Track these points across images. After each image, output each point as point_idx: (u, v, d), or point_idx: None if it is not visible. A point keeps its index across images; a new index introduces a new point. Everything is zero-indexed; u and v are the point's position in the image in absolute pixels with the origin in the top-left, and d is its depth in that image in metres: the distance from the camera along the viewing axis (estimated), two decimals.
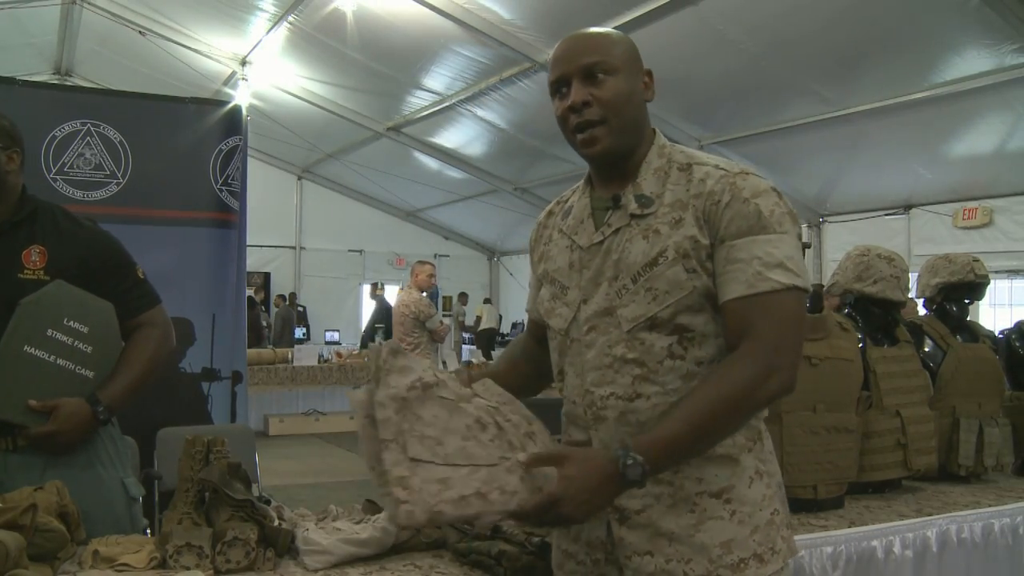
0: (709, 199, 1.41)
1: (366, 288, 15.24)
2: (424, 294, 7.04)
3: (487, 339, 13.82)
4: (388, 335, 10.83)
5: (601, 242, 1.49)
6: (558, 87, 1.49)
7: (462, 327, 14.58)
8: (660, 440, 1.31)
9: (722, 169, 1.44)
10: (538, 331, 1.69)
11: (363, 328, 15.27)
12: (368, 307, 15.00)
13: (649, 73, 1.52)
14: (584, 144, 1.47)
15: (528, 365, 1.74)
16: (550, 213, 1.68)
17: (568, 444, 1.56)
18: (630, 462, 1.27)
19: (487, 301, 15.47)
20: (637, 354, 1.43)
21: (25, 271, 1.99)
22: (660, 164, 1.49)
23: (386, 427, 1.26)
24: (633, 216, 1.47)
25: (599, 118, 1.45)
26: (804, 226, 9.89)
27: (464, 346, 14.19)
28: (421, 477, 1.25)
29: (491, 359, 10.45)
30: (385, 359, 1.31)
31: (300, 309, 14.35)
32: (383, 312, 12.08)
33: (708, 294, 1.41)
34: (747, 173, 1.44)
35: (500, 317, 15.29)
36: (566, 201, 1.64)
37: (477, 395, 1.40)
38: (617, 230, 1.48)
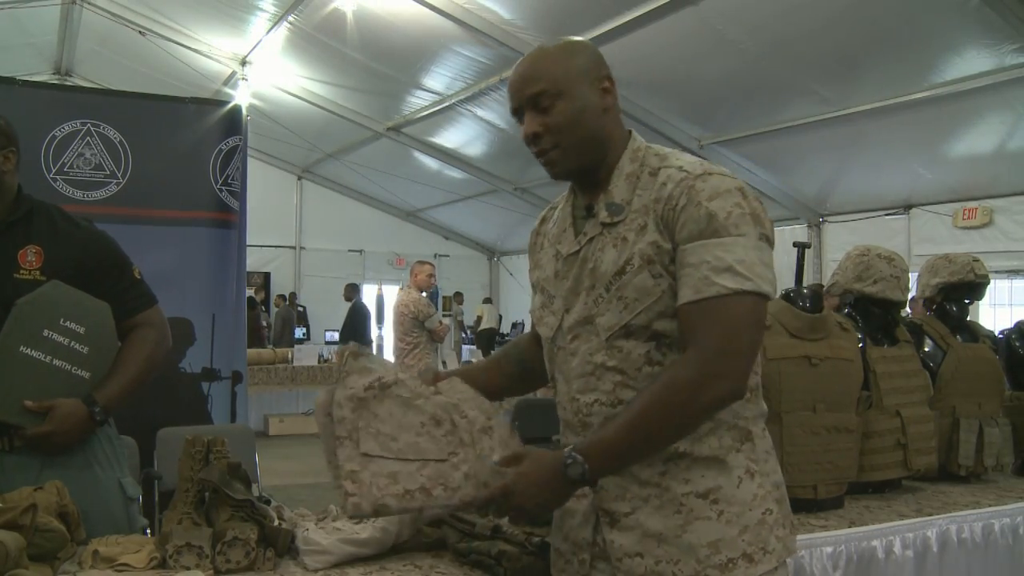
0: (667, 203, 1.41)
1: (366, 288, 15.24)
2: (424, 294, 7.04)
3: (487, 339, 13.82)
4: (355, 338, 10.86)
5: (578, 251, 1.50)
6: (515, 115, 1.51)
7: (460, 327, 14.57)
8: (599, 443, 1.37)
9: (684, 171, 1.42)
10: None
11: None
12: (369, 307, 15.01)
13: (609, 78, 1.49)
14: (546, 167, 1.51)
15: (512, 366, 1.76)
16: (543, 220, 1.69)
17: (564, 447, 1.58)
18: (570, 461, 1.34)
19: (487, 301, 15.46)
20: (616, 361, 1.45)
21: (21, 271, 1.98)
22: (632, 169, 1.48)
23: (342, 425, 1.35)
24: (604, 224, 1.47)
25: (552, 145, 1.47)
26: (804, 226, 9.91)
27: (464, 346, 14.18)
28: (371, 471, 1.33)
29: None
30: (347, 361, 1.40)
31: (300, 309, 14.35)
32: (357, 315, 12.15)
33: (671, 299, 1.41)
34: (709, 174, 1.41)
35: (500, 317, 15.28)
36: (555, 208, 1.65)
37: (439, 392, 1.45)
38: (592, 239, 1.49)
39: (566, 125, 1.45)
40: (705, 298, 1.33)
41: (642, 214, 1.44)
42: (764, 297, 1.36)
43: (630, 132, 1.54)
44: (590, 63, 1.48)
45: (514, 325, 15.28)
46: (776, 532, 1.46)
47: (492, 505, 1.39)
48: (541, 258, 1.63)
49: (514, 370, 1.75)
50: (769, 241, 1.40)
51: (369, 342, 11.67)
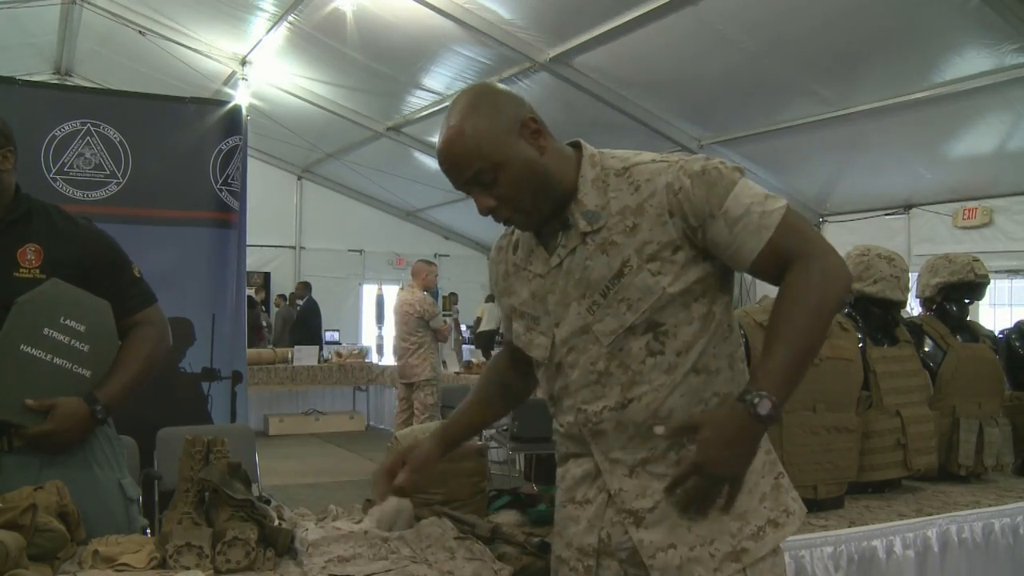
0: (668, 191, 1.43)
1: (366, 288, 15.23)
2: (426, 293, 7.03)
3: (487, 340, 13.80)
4: (308, 337, 10.94)
5: (560, 264, 1.50)
6: (462, 190, 1.50)
7: (457, 326, 14.54)
8: (774, 370, 1.36)
9: (662, 162, 1.47)
10: (516, 351, 1.69)
11: (363, 329, 15.29)
12: (369, 307, 15.00)
13: (532, 119, 1.46)
14: (518, 228, 1.55)
15: (498, 397, 1.82)
16: (499, 248, 1.69)
17: (566, 455, 1.59)
18: (757, 400, 1.33)
19: (490, 299, 15.39)
20: (620, 361, 1.45)
21: (21, 270, 1.98)
22: (596, 174, 1.49)
23: None
24: (585, 233, 1.47)
25: (512, 212, 1.48)
26: None
27: (464, 346, 14.15)
28: None
29: (490, 359, 10.42)
30: (308, 549, 1.71)
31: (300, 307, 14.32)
32: (308, 314, 12.23)
33: (674, 290, 1.42)
34: (685, 157, 1.48)
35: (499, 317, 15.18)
36: (512, 235, 1.64)
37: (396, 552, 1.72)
38: (573, 250, 1.48)
39: (516, 191, 1.45)
40: (777, 226, 1.40)
41: (628, 215, 1.44)
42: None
43: (578, 142, 1.54)
44: (510, 118, 1.45)
45: None
46: (791, 494, 1.52)
47: (689, 489, 1.38)
48: (511, 284, 1.62)
49: (500, 400, 1.83)
50: None
51: (320, 340, 11.63)
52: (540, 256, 1.54)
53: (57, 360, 1.99)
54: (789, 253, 1.40)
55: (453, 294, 15.42)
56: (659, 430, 1.40)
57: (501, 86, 1.57)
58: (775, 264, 1.41)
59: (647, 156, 1.49)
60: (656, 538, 1.44)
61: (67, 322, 2.00)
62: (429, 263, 7.21)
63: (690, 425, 1.39)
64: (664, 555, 1.43)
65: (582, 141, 1.55)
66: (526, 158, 1.44)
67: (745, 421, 1.34)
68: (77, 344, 2.01)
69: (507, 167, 1.43)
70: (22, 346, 1.96)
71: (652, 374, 1.44)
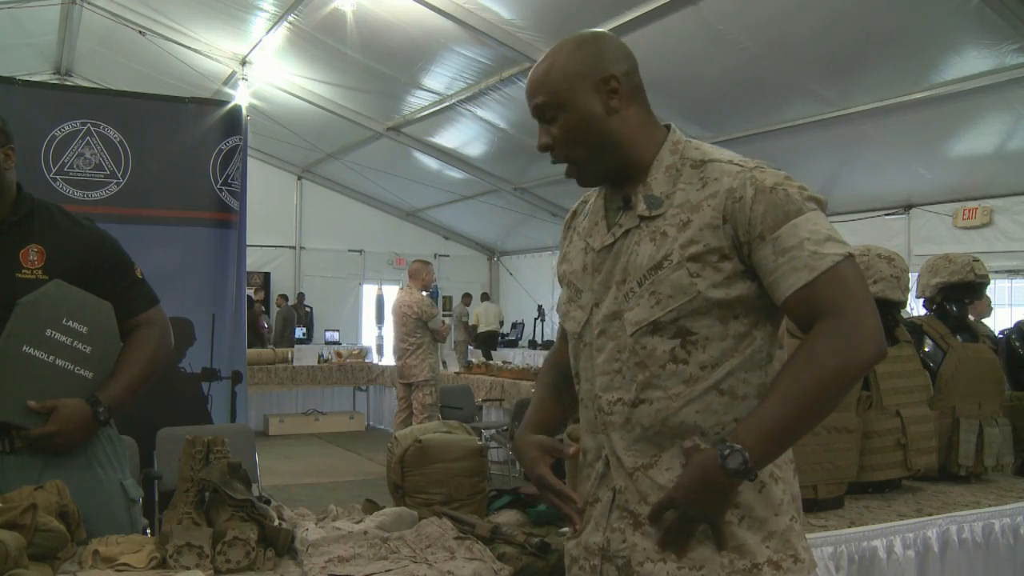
0: (729, 197, 1.37)
1: (366, 288, 15.23)
2: (425, 293, 7.03)
3: (487, 341, 13.78)
4: (285, 341, 10.84)
5: (612, 244, 1.47)
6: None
7: (466, 328, 14.52)
8: (758, 425, 1.30)
9: (737, 165, 1.40)
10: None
11: (363, 329, 15.28)
12: (369, 307, 14.99)
13: (615, 77, 1.44)
14: (574, 179, 1.51)
15: (568, 391, 1.66)
16: (574, 214, 1.66)
17: (586, 448, 1.56)
18: (727, 452, 1.28)
19: (485, 297, 15.34)
20: (640, 358, 1.42)
21: (23, 271, 1.97)
22: (672, 161, 1.45)
23: None
24: (642, 218, 1.44)
25: (564, 157, 1.47)
26: None
27: (469, 346, 14.14)
28: None
29: (490, 359, 10.42)
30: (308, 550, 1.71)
31: (308, 309, 14.34)
32: (284, 321, 12.35)
33: (712, 298, 1.37)
34: (763, 166, 1.41)
35: (502, 321, 15.10)
36: (587, 202, 1.63)
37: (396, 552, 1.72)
38: (627, 232, 1.45)
39: (570, 139, 1.45)
40: (822, 272, 1.31)
41: (685, 210, 1.40)
42: (856, 258, 1.37)
43: (668, 125, 1.51)
44: (589, 66, 1.43)
45: (514, 325, 15.25)
46: (803, 542, 1.44)
47: (666, 522, 1.36)
48: (569, 251, 1.59)
49: (570, 394, 1.66)
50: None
51: (292, 345, 11.63)
52: (600, 231, 1.51)
53: (59, 361, 1.99)
54: (823, 305, 1.31)
55: (467, 295, 15.30)
56: (643, 514, 1.40)
57: (617, 39, 1.50)
58: (806, 312, 1.33)
59: (727, 155, 1.44)
60: (649, 546, 1.42)
61: (69, 323, 2.00)
62: (426, 263, 7.22)
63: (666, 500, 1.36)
64: (652, 566, 1.40)
65: (673, 125, 1.51)
66: (589, 111, 1.43)
67: (712, 472, 1.30)
68: (79, 345, 2.01)
69: (567, 111, 1.43)
70: (24, 347, 1.95)
71: (670, 381, 1.40)
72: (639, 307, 1.41)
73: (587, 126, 1.44)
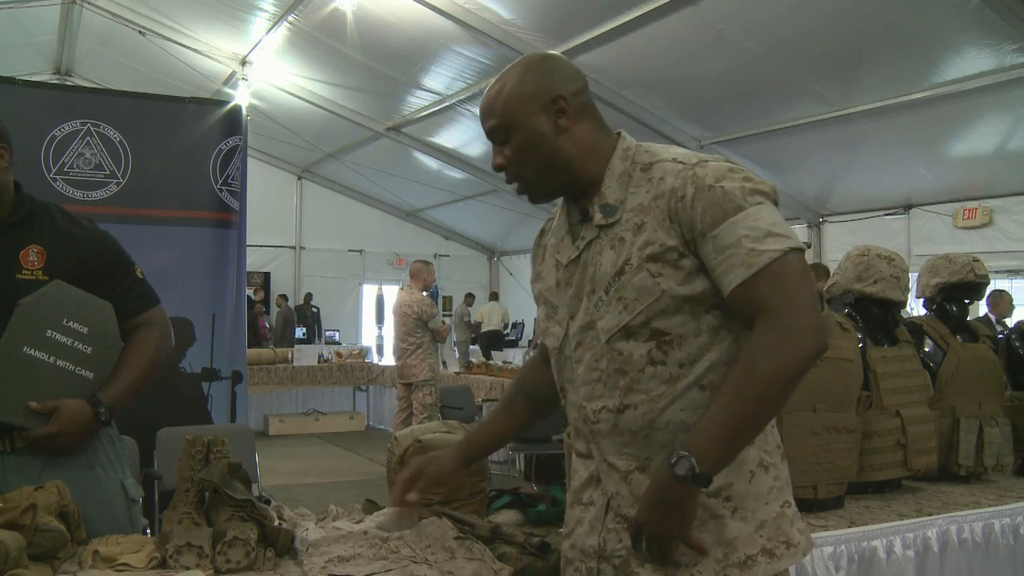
0: (672, 196, 1.39)
1: (366, 288, 15.23)
2: (425, 293, 7.03)
3: (489, 341, 13.76)
4: (285, 340, 10.83)
5: (578, 257, 1.50)
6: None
7: (468, 328, 14.51)
8: (699, 432, 1.31)
9: (680, 163, 1.41)
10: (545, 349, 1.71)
11: (363, 329, 15.27)
12: (369, 307, 15.00)
13: (563, 98, 1.46)
14: (524, 195, 1.54)
15: (522, 405, 1.78)
16: (542, 232, 1.69)
17: (575, 454, 1.59)
18: (674, 460, 1.29)
19: (494, 297, 15.32)
20: (618, 364, 1.44)
21: (23, 271, 1.97)
22: (623, 168, 1.48)
23: None
24: (600, 227, 1.46)
25: (515, 176, 1.51)
26: (804, 226, 9.92)
27: (471, 346, 14.14)
28: None
29: (490, 359, 10.43)
30: (308, 549, 1.73)
31: (315, 310, 14.33)
32: (284, 321, 12.37)
33: (678, 295, 1.39)
34: (705, 161, 1.40)
35: (506, 318, 15.07)
36: (554, 219, 1.65)
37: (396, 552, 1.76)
38: (590, 242, 1.48)
39: (521, 159, 1.48)
40: (760, 269, 1.31)
41: (638, 213, 1.42)
42: (802, 251, 1.37)
43: (619, 133, 1.54)
44: (537, 88, 1.46)
45: (514, 325, 15.24)
46: (797, 525, 1.46)
47: (645, 544, 1.37)
48: (542, 270, 1.62)
49: (525, 411, 1.77)
50: (778, 207, 1.40)
51: (292, 345, 11.65)
52: (567, 246, 1.53)
53: (60, 362, 1.99)
54: (760, 303, 1.31)
55: (470, 295, 15.27)
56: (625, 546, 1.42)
57: (565, 59, 1.55)
58: (747, 310, 1.33)
59: (672, 153, 1.45)
60: (643, 547, 1.42)
61: (70, 324, 2.00)
62: (427, 263, 7.22)
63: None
64: (649, 565, 1.41)
65: (624, 133, 1.53)
66: (538, 131, 1.46)
67: (665, 481, 1.31)
68: (80, 346, 2.01)
69: (517, 133, 1.47)
70: (25, 348, 1.95)
71: (651, 383, 1.41)
72: (609, 314, 1.44)
73: (537, 146, 1.47)
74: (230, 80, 10.66)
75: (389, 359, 11.07)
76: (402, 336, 6.94)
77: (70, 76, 12.07)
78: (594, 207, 1.48)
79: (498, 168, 1.52)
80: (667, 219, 1.39)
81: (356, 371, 10.39)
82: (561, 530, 1.80)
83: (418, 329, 6.87)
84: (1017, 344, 3.33)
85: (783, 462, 1.51)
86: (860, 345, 2.59)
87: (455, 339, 13.50)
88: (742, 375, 1.30)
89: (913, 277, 2.92)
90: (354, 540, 1.79)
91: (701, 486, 1.30)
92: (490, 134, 1.51)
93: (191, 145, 4.20)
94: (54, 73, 11.92)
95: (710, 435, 1.30)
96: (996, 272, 7.38)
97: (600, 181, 1.48)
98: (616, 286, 1.42)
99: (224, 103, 4.52)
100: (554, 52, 1.64)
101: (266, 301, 14.04)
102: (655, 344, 1.41)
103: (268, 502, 2.09)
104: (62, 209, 2.12)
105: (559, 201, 1.64)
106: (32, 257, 1.99)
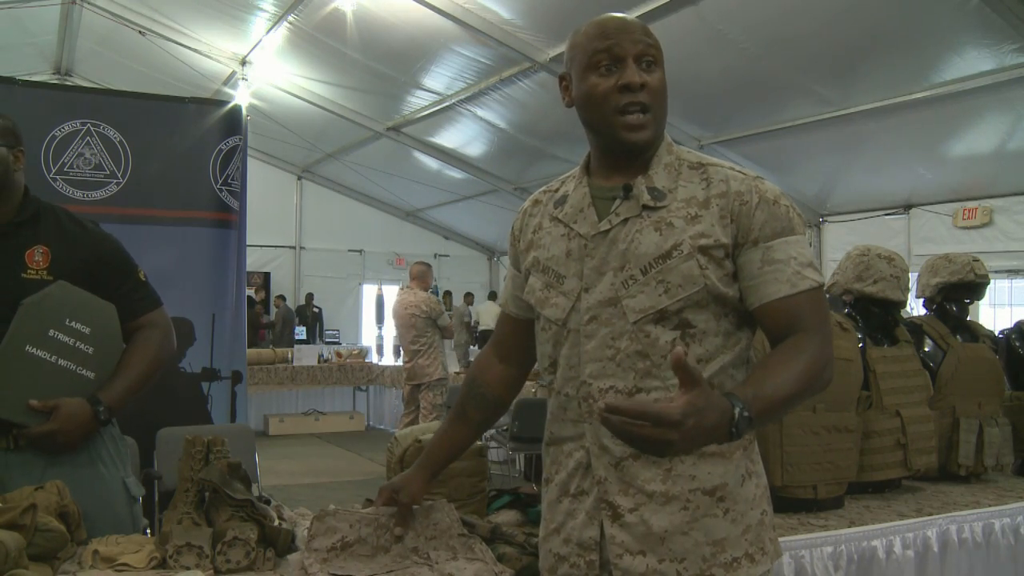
0: (736, 199, 1.43)
1: (366, 288, 15.21)
2: (428, 292, 7.04)
3: (487, 339, 13.74)
4: (285, 340, 10.80)
5: (607, 231, 1.48)
6: (602, 62, 1.44)
7: (468, 327, 14.51)
8: (769, 400, 1.27)
9: (741, 173, 1.48)
10: (507, 331, 1.71)
11: (363, 329, 15.26)
12: (369, 307, 14.98)
13: None
14: (629, 128, 1.45)
15: (477, 411, 1.75)
16: (536, 202, 1.67)
17: (557, 439, 1.56)
18: (746, 414, 1.22)
19: (493, 296, 15.31)
20: (642, 347, 1.42)
21: (28, 271, 1.99)
22: (670, 160, 1.50)
23: None
24: (645, 207, 1.46)
25: (647, 103, 1.45)
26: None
27: (472, 347, 14.14)
28: None
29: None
30: (313, 524, 1.71)
31: (316, 310, 14.32)
32: (284, 321, 12.36)
33: (714, 292, 1.42)
34: (763, 179, 1.49)
35: None
36: (555, 191, 1.63)
37: (400, 539, 1.74)
38: (626, 220, 1.47)
39: (661, 94, 1.48)
40: (802, 291, 1.40)
41: (693, 205, 1.44)
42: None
43: None
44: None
45: None
46: (769, 534, 1.49)
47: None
48: (541, 238, 1.58)
49: (479, 414, 1.76)
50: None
51: (292, 345, 11.64)
52: (589, 218, 1.51)
53: (62, 362, 2.00)
54: (803, 322, 1.39)
55: (469, 294, 15.32)
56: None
57: None
58: (784, 322, 1.40)
59: (727, 163, 1.52)
60: (627, 539, 1.42)
61: (72, 324, 2.01)
62: (428, 265, 7.23)
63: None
64: (631, 559, 1.41)
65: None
66: (665, 79, 1.49)
67: (724, 424, 1.20)
68: (82, 346, 2.02)
69: (662, 69, 1.48)
70: (27, 347, 1.97)
71: (670, 372, 1.36)
72: (643, 295, 1.42)
73: (665, 91, 1.49)
74: (230, 80, 10.66)
75: (389, 359, 11.07)
76: (412, 338, 6.88)
77: (70, 76, 12.07)
78: (640, 187, 1.47)
79: (640, 86, 1.43)
80: (727, 218, 1.43)
81: (356, 371, 10.39)
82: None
83: (428, 329, 6.84)
84: (1017, 344, 3.33)
85: (763, 472, 1.54)
86: (860, 345, 2.59)
87: (454, 342, 13.50)
88: (808, 368, 1.34)
89: (913, 277, 2.92)
90: (359, 521, 1.75)
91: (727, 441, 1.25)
92: (640, 54, 1.44)
93: (191, 145, 4.20)
94: (54, 73, 11.91)
95: (773, 406, 1.29)
96: (996, 272, 7.37)
97: (647, 163, 1.50)
98: (659, 268, 1.42)
99: (224, 103, 4.52)
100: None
101: (266, 301, 14.04)
102: (680, 334, 1.42)
103: (268, 502, 2.09)
104: (67, 211, 2.14)
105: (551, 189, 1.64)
106: (37, 257, 2.01)
